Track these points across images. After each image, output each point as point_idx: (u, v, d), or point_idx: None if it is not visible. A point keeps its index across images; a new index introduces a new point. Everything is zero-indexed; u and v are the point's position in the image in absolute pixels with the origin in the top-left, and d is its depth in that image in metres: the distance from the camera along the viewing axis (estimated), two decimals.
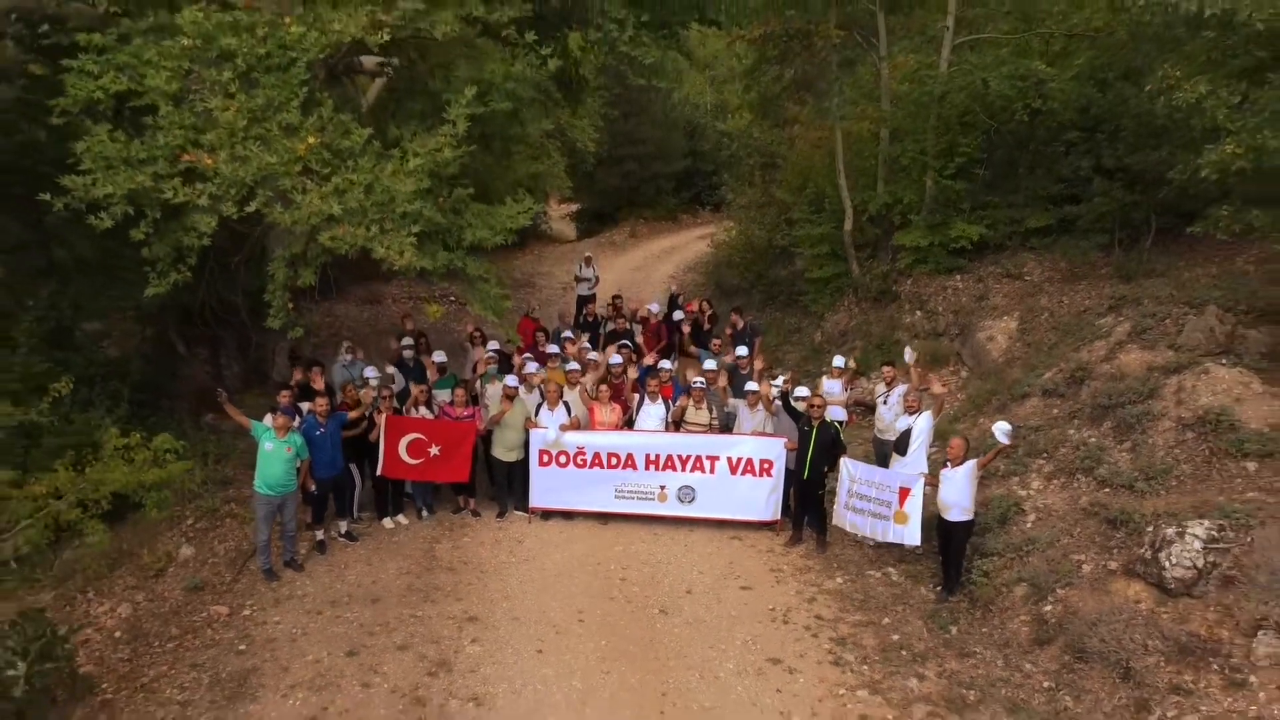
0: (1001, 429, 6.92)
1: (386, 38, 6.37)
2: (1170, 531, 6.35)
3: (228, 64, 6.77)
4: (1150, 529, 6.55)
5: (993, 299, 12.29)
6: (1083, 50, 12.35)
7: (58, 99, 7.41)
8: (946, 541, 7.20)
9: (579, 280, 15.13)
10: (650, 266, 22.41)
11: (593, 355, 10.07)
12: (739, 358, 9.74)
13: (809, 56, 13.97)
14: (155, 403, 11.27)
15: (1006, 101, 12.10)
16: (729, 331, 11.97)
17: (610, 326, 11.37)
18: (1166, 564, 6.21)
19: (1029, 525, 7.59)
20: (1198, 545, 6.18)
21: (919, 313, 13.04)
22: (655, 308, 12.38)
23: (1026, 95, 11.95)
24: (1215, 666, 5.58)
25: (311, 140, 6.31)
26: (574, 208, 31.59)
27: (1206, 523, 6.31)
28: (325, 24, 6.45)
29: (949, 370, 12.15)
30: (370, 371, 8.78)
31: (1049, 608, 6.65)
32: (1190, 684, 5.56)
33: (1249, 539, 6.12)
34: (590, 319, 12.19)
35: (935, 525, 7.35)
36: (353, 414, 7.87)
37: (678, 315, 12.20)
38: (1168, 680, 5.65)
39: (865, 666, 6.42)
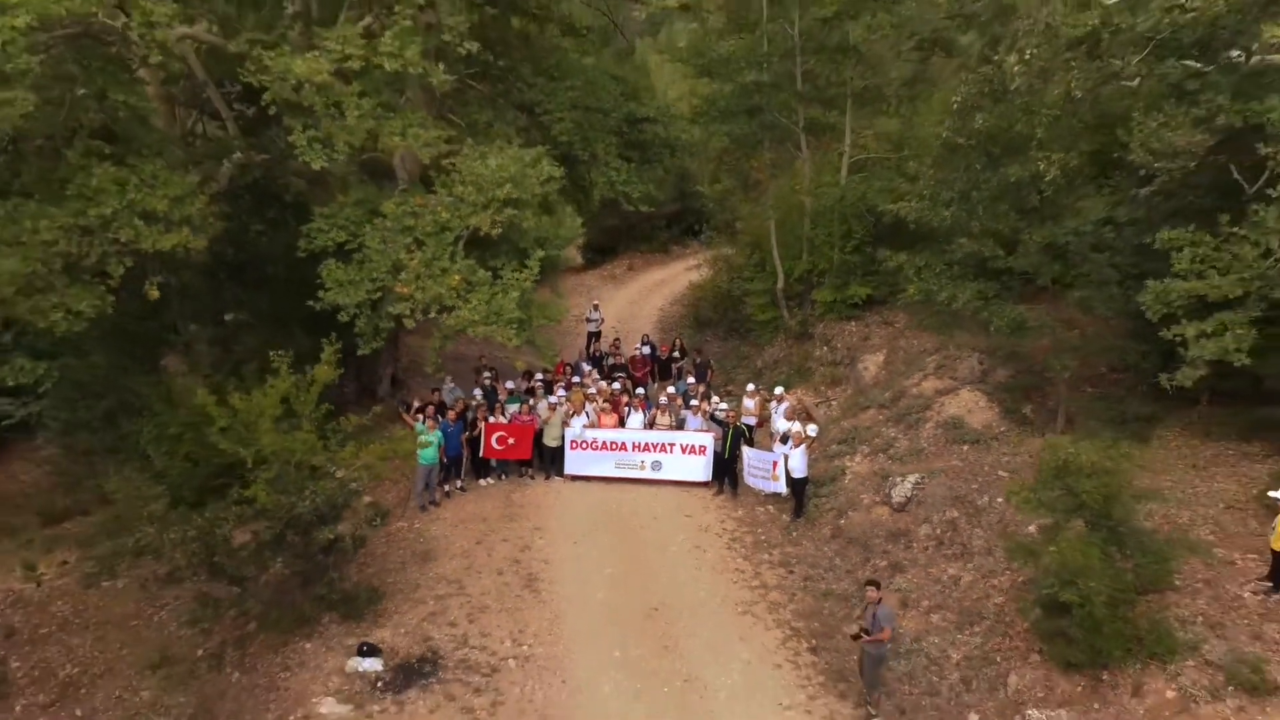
0: (811, 429, 13.34)
1: (499, 230, 12.77)
2: (898, 479, 12.78)
3: (409, 233, 13.19)
4: (891, 479, 12.96)
5: (872, 339, 18.67)
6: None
7: (303, 242, 13.82)
8: (794, 489, 13.57)
9: (589, 320, 21.51)
10: (644, 300, 28.79)
11: (600, 382, 16.47)
12: (689, 384, 16.18)
13: (751, 169, 20.39)
14: None
15: (882, 203, 18.44)
16: (693, 363, 18.46)
17: (611, 361, 17.81)
18: (894, 496, 12.63)
19: (845, 481, 13.98)
20: (909, 486, 12.60)
21: (825, 348, 19.42)
22: (642, 348, 18.79)
23: (894, 200, 18.28)
24: (901, 541, 11.99)
25: (458, 279, 12.68)
26: (580, 240, 37.98)
27: (916, 475, 12.73)
28: (465, 216, 12.84)
29: (840, 389, 18.52)
30: (476, 392, 15.25)
31: (842, 521, 13.05)
32: (889, 549, 11.97)
33: (933, 482, 12.53)
34: (597, 355, 18.61)
35: (789, 480, 13.73)
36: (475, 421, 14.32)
37: (646, 350, 18.59)
38: (881, 548, 12.07)
39: (744, 550, 12.84)
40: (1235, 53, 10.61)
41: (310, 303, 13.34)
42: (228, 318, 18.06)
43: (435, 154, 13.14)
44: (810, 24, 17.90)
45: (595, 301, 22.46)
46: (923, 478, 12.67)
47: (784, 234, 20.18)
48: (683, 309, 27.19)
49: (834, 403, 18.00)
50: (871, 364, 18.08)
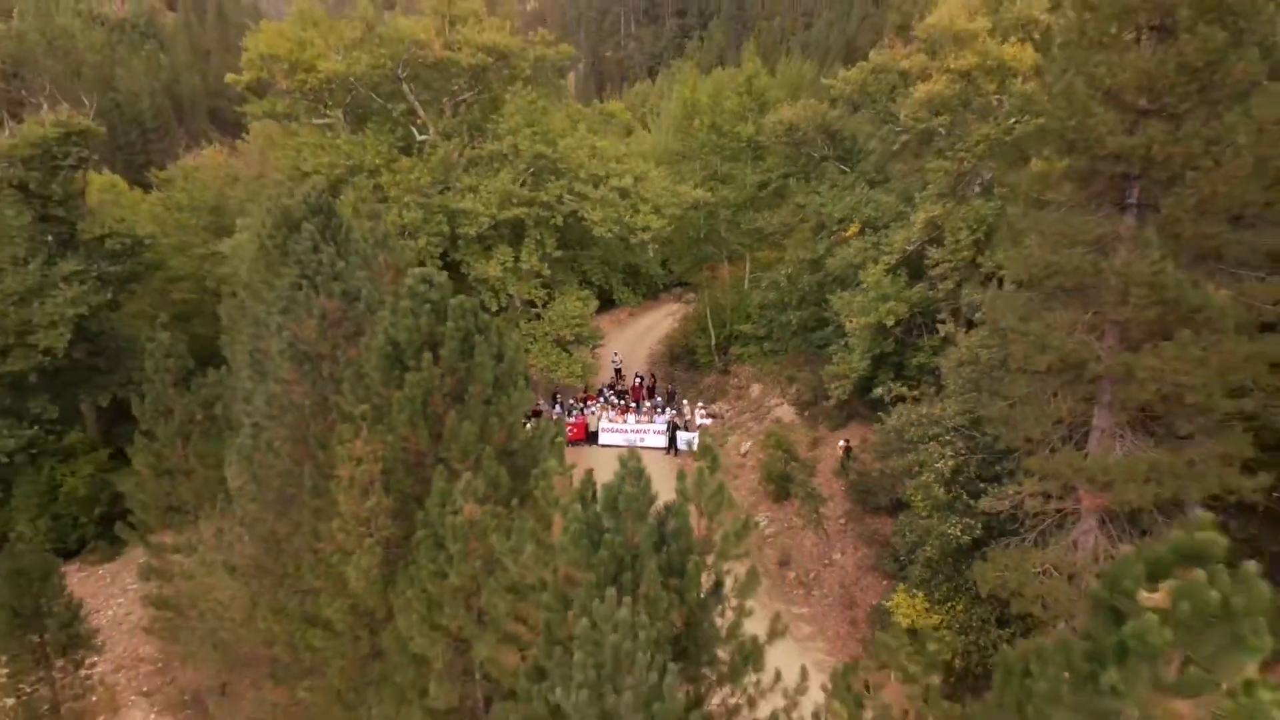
0: (708, 422, 31.36)
1: (572, 337, 30.62)
2: (745, 443, 30.90)
3: (532, 335, 31.31)
4: (742, 444, 31.06)
5: (758, 374, 36.78)
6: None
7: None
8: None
9: (614, 362, 39.49)
10: (639, 340, 46.75)
11: (614, 398, 34.50)
12: (658, 401, 34.32)
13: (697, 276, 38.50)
14: None
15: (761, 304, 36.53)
16: (667, 390, 36.54)
17: (621, 388, 35.91)
18: (741, 450, 30.73)
19: (726, 446, 32.08)
20: (748, 446, 30.73)
21: (735, 379, 37.53)
22: (637, 379, 36.89)
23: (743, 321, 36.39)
24: (742, 469, 30.10)
25: (555, 356, 30.57)
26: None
27: (751, 441, 30.85)
28: (556, 330, 30.72)
29: (741, 402, 36.63)
30: (556, 407, 33.29)
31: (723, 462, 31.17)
32: (737, 472, 30.10)
33: (756, 445, 30.65)
34: (613, 384, 36.73)
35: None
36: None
37: (638, 381, 36.76)
38: (734, 471, 30.18)
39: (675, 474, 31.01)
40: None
41: None
42: None
43: (540, 299, 31.28)
44: (729, 212, 35.87)
45: (616, 351, 40.53)
46: (753, 443, 30.72)
47: (715, 313, 38.25)
48: (665, 348, 45.22)
49: (735, 409, 36.12)
50: (757, 389, 36.19)
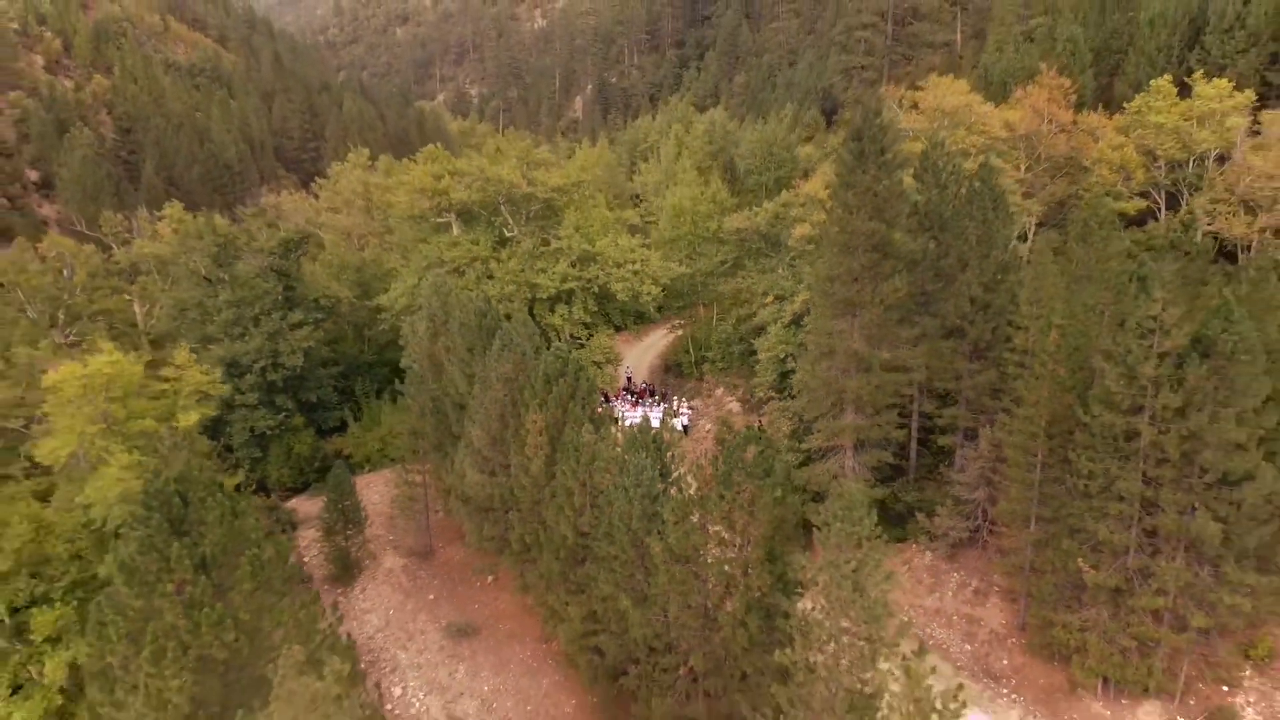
0: (687, 412, 53.28)
1: (602, 359, 52.05)
2: (708, 426, 52.83)
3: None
4: (706, 425, 53.03)
5: (719, 382, 58.75)
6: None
7: None
8: (684, 429, 53.51)
9: (626, 372, 61.33)
10: (643, 355, 68.49)
11: (628, 396, 56.33)
12: (656, 399, 56.31)
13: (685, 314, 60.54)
14: None
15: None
16: (661, 392, 58.48)
17: (633, 389, 57.81)
18: (705, 429, 52.68)
19: (696, 427, 54.00)
20: (709, 427, 52.64)
21: (707, 385, 59.52)
22: (643, 384, 58.83)
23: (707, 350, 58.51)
24: (701, 440, 52.07)
25: (593, 373, 52.19)
26: None
27: (712, 424, 52.79)
28: (594, 354, 52.24)
29: (711, 399, 58.67)
30: None
31: (693, 436, 53.10)
32: (702, 443, 52.04)
33: (713, 425, 52.63)
34: (628, 388, 58.68)
35: (684, 427, 53.62)
36: None
37: (644, 385, 58.78)
38: (700, 441, 52.11)
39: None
40: None
41: None
42: None
43: (583, 336, 53.17)
44: (702, 277, 57.65)
45: (628, 365, 62.33)
46: (713, 424, 52.57)
47: (695, 341, 60.16)
48: (663, 360, 67.19)
49: (706, 404, 58.12)
50: (719, 391, 58.24)
